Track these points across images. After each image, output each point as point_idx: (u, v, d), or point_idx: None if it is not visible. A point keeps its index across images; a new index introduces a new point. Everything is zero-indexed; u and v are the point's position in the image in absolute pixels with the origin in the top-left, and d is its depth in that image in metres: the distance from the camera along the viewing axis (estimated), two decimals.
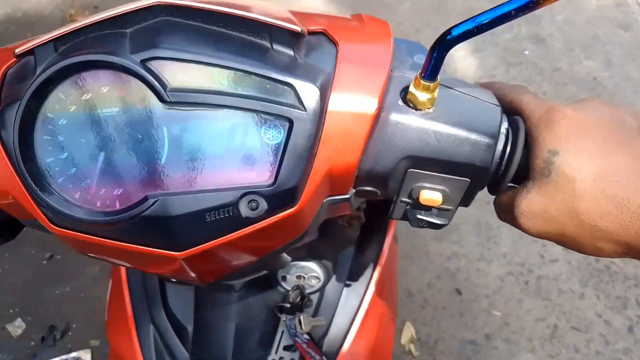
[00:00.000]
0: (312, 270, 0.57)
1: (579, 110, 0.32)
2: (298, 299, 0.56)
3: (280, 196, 0.31)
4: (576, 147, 0.31)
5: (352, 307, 0.64)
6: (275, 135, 0.31)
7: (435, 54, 0.29)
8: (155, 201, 0.31)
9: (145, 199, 0.31)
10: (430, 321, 1.50)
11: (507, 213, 0.35)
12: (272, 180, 0.31)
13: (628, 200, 0.29)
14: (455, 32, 0.29)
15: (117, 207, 0.32)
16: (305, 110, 0.31)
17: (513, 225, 0.35)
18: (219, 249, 0.33)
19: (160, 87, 0.30)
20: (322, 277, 0.58)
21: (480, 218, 1.64)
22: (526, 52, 2.11)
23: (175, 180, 0.31)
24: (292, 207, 0.32)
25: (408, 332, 1.47)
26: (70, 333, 1.47)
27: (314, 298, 0.62)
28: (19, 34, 2.35)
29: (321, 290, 0.61)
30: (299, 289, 0.57)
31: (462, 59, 2.07)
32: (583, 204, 0.30)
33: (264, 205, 0.31)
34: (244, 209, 0.31)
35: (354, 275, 0.64)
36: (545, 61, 2.08)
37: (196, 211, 0.31)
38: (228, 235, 0.32)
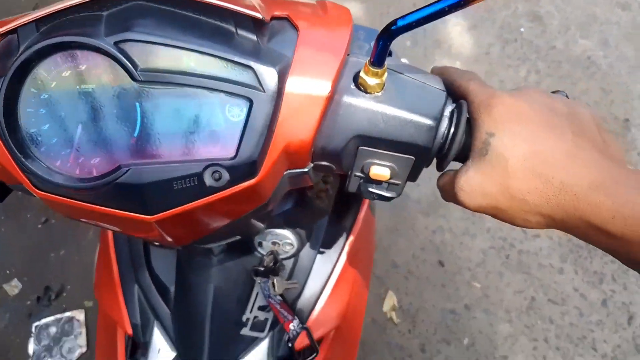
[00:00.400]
0: (286, 237, 0.61)
1: (516, 98, 0.35)
2: (272, 264, 0.60)
3: (241, 168, 0.35)
4: (511, 130, 0.34)
5: (325, 273, 0.68)
6: (237, 113, 0.34)
7: (381, 43, 0.32)
8: (128, 170, 0.34)
9: (119, 167, 0.34)
10: (413, 291, 1.55)
11: (448, 192, 0.38)
12: (234, 153, 0.34)
13: (552, 177, 0.33)
14: (400, 23, 0.31)
15: (94, 174, 0.35)
16: (264, 92, 0.34)
17: (454, 202, 0.38)
18: (187, 214, 0.37)
19: (131, 67, 0.33)
20: (295, 243, 0.62)
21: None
22: (522, 30, 2.11)
23: (146, 151, 0.35)
24: (252, 178, 0.35)
25: (390, 300, 1.53)
26: (64, 294, 1.53)
27: (289, 263, 0.66)
28: None
29: (295, 256, 0.65)
30: (273, 254, 0.61)
31: (458, 36, 2.07)
32: (514, 181, 0.34)
33: (226, 176, 0.35)
34: (208, 179, 0.35)
35: (327, 243, 0.68)
36: (541, 39, 2.08)
37: (164, 180, 0.34)
38: (194, 202, 0.36)
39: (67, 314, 1.46)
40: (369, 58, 0.35)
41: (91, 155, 0.35)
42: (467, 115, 0.37)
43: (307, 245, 0.66)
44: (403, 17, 0.31)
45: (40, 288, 1.54)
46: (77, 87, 0.35)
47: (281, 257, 0.63)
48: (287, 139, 0.35)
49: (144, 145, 0.35)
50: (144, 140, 0.35)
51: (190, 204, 0.36)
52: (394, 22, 0.32)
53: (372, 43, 0.39)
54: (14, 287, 1.52)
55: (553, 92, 0.44)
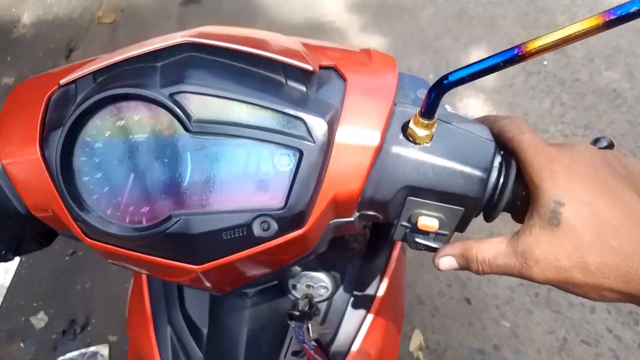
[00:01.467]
0: (320, 280, 0.60)
1: (577, 160, 0.34)
2: (307, 307, 0.59)
3: (290, 218, 0.34)
4: (581, 200, 0.33)
5: (359, 316, 0.67)
6: (287, 163, 0.35)
7: (432, 96, 0.32)
8: (178, 220, 0.34)
9: (170, 217, 0.34)
10: (440, 329, 1.51)
11: (509, 265, 0.35)
12: (283, 204, 0.34)
13: (633, 254, 0.31)
14: (451, 78, 0.31)
15: (144, 223, 0.35)
16: (314, 142, 0.34)
17: (516, 275, 0.35)
18: (233, 264, 0.37)
19: (185, 119, 0.33)
20: (330, 287, 0.61)
21: (492, 228, 1.65)
22: (545, 62, 2.11)
23: (196, 201, 0.35)
24: (300, 228, 0.35)
25: (417, 339, 1.49)
26: (89, 328, 1.54)
27: (323, 306, 0.65)
28: (51, 35, 2.43)
29: (329, 299, 0.64)
30: (308, 297, 0.60)
31: None
32: (592, 256, 0.32)
33: (274, 226, 0.35)
34: (257, 229, 0.35)
35: (361, 285, 0.67)
36: (565, 71, 2.07)
37: (214, 230, 0.34)
38: (242, 252, 0.35)
39: (92, 348, 1.46)
40: (418, 109, 0.35)
41: (142, 204, 0.35)
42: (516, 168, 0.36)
43: (341, 288, 0.65)
44: (455, 71, 0.32)
45: (66, 320, 1.55)
46: (131, 136, 0.35)
47: (315, 300, 0.62)
48: (336, 189, 0.35)
49: (194, 195, 0.35)
50: (194, 189, 0.35)
51: (237, 254, 0.36)
52: (445, 77, 0.32)
53: (418, 92, 0.39)
54: (40, 319, 1.53)
55: (596, 140, 0.43)
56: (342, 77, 0.37)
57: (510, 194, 0.36)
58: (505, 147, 0.37)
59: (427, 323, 1.53)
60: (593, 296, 0.34)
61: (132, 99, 0.34)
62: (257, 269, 0.40)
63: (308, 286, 0.61)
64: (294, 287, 0.61)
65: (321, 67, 0.37)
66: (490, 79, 2.07)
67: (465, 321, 1.53)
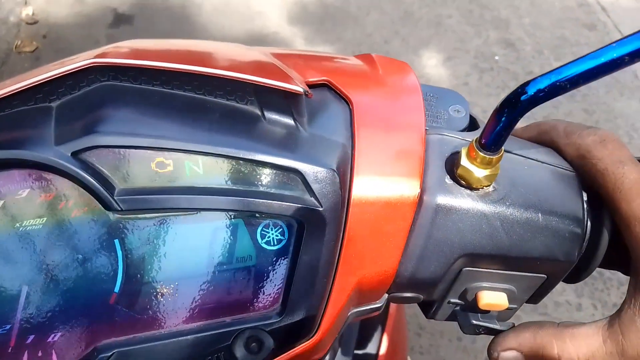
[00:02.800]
0: None
1: None
2: None
3: (292, 329, 0.22)
4: None
5: None
6: (277, 238, 0.22)
7: (504, 118, 0.21)
8: (110, 356, 0.21)
9: (95, 351, 0.21)
10: (428, 348, 1.41)
11: None
12: (279, 308, 0.21)
13: None
14: (531, 90, 0.20)
15: None
16: (321, 206, 0.21)
17: None
18: None
19: (104, 191, 0.20)
20: (327, 354, 0.49)
21: None
22: (497, 58, 2.09)
23: (136, 319, 0.21)
24: (308, 339, 0.22)
25: None
26: None
27: None
28: None
29: None
30: None
31: (434, 69, 2.03)
32: None
33: (269, 343, 0.22)
34: (241, 353, 0.22)
35: (361, 344, 0.55)
36: (517, 65, 2.06)
37: None
38: None
39: None
40: (456, 130, 0.23)
41: (46, 334, 0.21)
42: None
43: (339, 352, 0.53)
44: (538, 79, 0.20)
45: None
46: (16, 225, 0.21)
47: None
48: (359, 273, 0.23)
49: (131, 309, 0.21)
50: (131, 299, 0.21)
51: None
52: (522, 90, 0.20)
53: (451, 109, 0.27)
54: None
55: None
56: (344, 98, 0.25)
57: (607, 246, 0.25)
58: (590, 181, 0.26)
59: (414, 344, 1.43)
60: None
61: (12, 167, 0.21)
62: None
63: None
64: None
65: (309, 85, 0.25)
66: (444, 78, 2.02)
67: (453, 337, 1.44)
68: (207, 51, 0.25)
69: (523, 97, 0.20)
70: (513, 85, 1.86)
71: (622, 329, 0.24)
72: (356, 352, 0.55)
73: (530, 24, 2.19)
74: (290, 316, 0.22)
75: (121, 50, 0.24)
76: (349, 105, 0.25)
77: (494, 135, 0.21)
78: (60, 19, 2.30)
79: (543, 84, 0.20)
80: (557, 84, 0.20)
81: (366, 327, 0.57)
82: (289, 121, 0.23)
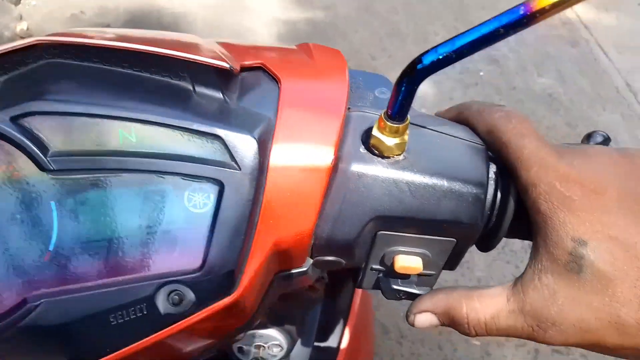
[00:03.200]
0: (272, 338, 0.49)
1: (597, 176, 0.25)
2: None
3: (212, 283, 0.24)
4: (607, 233, 0.24)
5: None
6: (202, 203, 0.24)
7: (403, 88, 0.23)
8: (38, 305, 0.22)
9: (24, 302, 0.23)
10: (409, 357, 1.42)
11: (514, 327, 0.26)
12: (200, 263, 0.23)
13: None
14: (426, 60, 0.22)
15: None
16: (240, 169, 0.23)
17: (524, 338, 0.26)
18: (136, 356, 0.25)
19: (38, 152, 0.22)
20: (284, 344, 0.50)
21: None
22: (481, 73, 2.13)
23: (66, 273, 0.23)
24: (228, 294, 0.24)
25: None
26: None
27: None
28: None
29: (285, 357, 0.53)
30: None
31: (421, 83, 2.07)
32: (629, 312, 0.23)
33: (190, 297, 0.23)
34: (163, 305, 0.23)
35: (322, 335, 0.56)
36: (501, 80, 2.10)
37: (96, 314, 0.23)
38: (145, 340, 0.24)
39: None
40: (379, 110, 0.25)
41: None
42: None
43: (299, 342, 0.54)
44: (432, 49, 0.22)
45: None
46: None
47: None
48: (277, 232, 0.24)
49: (62, 264, 0.23)
50: (63, 256, 0.23)
51: (138, 342, 0.24)
52: (418, 60, 0.22)
53: (377, 91, 0.29)
54: None
55: (589, 135, 0.35)
56: (275, 79, 0.27)
57: (513, 213, 0.27)
58: (497, 153, 0.28)
59: (395, 352, 1.43)
60: (630, 358, 0.25)
61: None
62: (176, 353, 0.28)
63: (258, 347, 0.50)
64: (241, 350, 0.49)
65: (244, 68, 0.27)
66: (429, 93, 2.06)
67: (434, 345, 1.44)
68: (146, 35, 0.28)
69: (419, 66, 0.22)
70: (497, 99, 1.90)
71: (523, 288, 0.25)
72: (317, 344, 0.56)
73: (515, 40, 2.24)
74: (209, 271, 0.23)
75: (69, 32, 0.26)
76: (278, 85, 0.27)
77: (398, 104, 0.23)
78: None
79: (435, 55, 0.22)
80: (446, 54, 0.22)
81: (328, 321, 0.58)
82: (218, 95, 0.25)
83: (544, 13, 0.20)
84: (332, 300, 0.59)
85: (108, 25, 2.33)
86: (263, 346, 0.49)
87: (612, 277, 0.23)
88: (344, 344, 0.58)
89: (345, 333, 0.59)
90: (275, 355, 0.51)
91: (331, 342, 0.57)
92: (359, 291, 0.63)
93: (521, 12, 0.20)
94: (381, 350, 1.43)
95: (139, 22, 2.33)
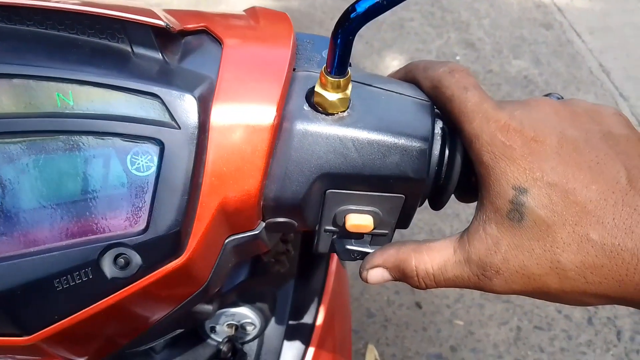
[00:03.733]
0: (244, 317, 0.49)
1: (538, 125, 0.25)
2: (230, 354, 0.47)
3: (158, 245, 0.23)
4: (546, 180, 0.24)
5: (299, 349, 0.55)
6: (145, 165, 0.23)
7: (339, 40, 0.23)
8: None
9: None
10: (394, 340, 1.43)
11: (461, 277, 0.26)
12: (144, 225, 0.23)
13: (621, 248, 0.23)
14: (360, 8, 0.22)
15: None
16: (179, 127, 0.23)
17: (471, 287, 0.27)
18: (89, 322, 0.25)
19: None
20: (257, 322, 0.50)
21: (432, 226, 1.61)
22: (457, 57, 2.14)
23: (7, 239, 0.23)
24: (176, 257, 0.24)
25: (371, 354, 1.39)
26: None
27: (253, 346, 0.53)
28: None
29: (259, 336, 0.53)
30: (231, 340, 0.48)
31: (397, 68, 2.07)
32: (569, 256, 0.24)
33: (136, 260, 0.23)
34: (109, 268, 0.23)
35: (296, 313, 0.56)
36: (477, 64, 2.11)
37: (39, 279, 0.22)
38: (92, 306, 0.24)
39: None
40: (324, 67, 0.25)
41: None
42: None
43: (273, 320, 0.54)
44: None
45: None
46: None
47: (242, 341, 0.50)
48: (223, 192, 0.24)
49: (1, 231, 0.23)
50: (3, 221, 0.23)
51: (85, 309, 0.24)
52: (352, 8, 0.22)
53: (324, 53, 0.29)
54: None
55: (545, 95, 0.36)
56: (218, 41, 0.27)
57: (460, 168, 0.27)
58: (442, 109, 0.28)
59: (380, 336, 1.44)
60: (572, 303, 0.26)
61: None
62: (131, 322, 0.28)
63: (230, 326, 0.50)
64: (213, 329, 0.49)
65: (186, 32, 0.27)
66: None
67: (418, 327, 1.46)
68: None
69: (352, 15, 0.22)
70: None
71: (468, 239, 0.26)
72: (291, 322, 0.56)
73: (490, 24, 2.26)
74: (153, 232, 0.23)
75: None
76: (222, 46, 0.27)
77: (337, 58, 0.23)
78: None
79: (368, 2, 0.22)
80: (379, 2, 0.22)
81: (302, 299, 0.58)
82: (157, 56, 0.25)
83: None
84: (306, 279, 0.59)
85: None
86: (235, 325, 0.49)
87: (551, 223, 0.24)
88: (319, 322, 0.58)
89: (320, 311, 0.59)
90: (248, 334, 0.51)
91: (306, 319, 0.57)
92: (332, 270, 0.63)
93: None
94: (366, 334, 1.44)
95: None
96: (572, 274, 0.24)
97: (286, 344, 0.54)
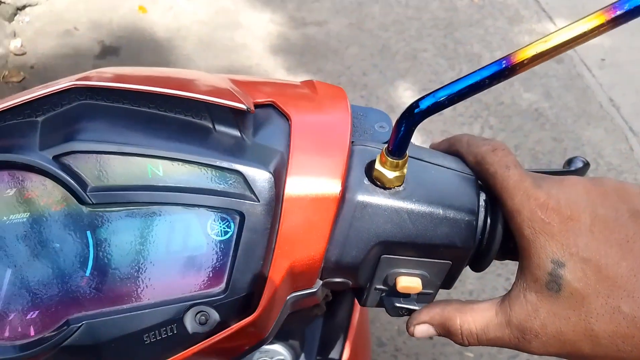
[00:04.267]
0: (277, 353, 0.51)
1: (572, 204, 0.28)
2: None
3: (235, 305, 0.26)
4: (581, 255, 0.27)
5: None
6: (223, 231, 0.26)
7: (403, 129, 0.26)
8: (80, 326, 0.25)
9: (67, 323, 0.25)
10: None
11: (501, 338, 0.29)
12: (224, 286, 0.26)
13: None
14: (423, 105, 0.25)
15: (32, 334, 0.26)
16: (258, 201, 0.26)
17: (511, 348, 0.29)
18: None
19: (79, 188, 0.25)
20: (289, 358, 0.52)
21: None
22: None
23: (103, 296, 0.25)
24: (248, 315, 0.27)
25: None
26: None
27: None
28: None
29: None
30: None
31: (409, 98, 2.11)
32: (601, 325, 0.26)
33: (215, 317, 0.26)
34: (191, 324, 0.26)
35: (324, 348, 0.59)
36: (489, 96, 2.15)
37: (131, 334, 0.25)
38: (173, 357, 0.26)
39: None
40: (379, 142, 0.28)
41: (27, 309, 0.26)
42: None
43: (302, 356, 0.56)
44: (427, 96, 0.25)
45: None
46: (5, 218, 0.26)
47: None
48: (292, 257, 0.27)
49: (99, 288, 0.26)
50: (100, 281, 0.26)
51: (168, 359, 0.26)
52: (416, 104, 0.25)
53: (377, 125, 0.32)
54: None
55: (569, 161, 0.38)
56: (285, 116, 0.30)
57: (502, 236, 0.30)
58: (484, 182, 0.31)
59: None
60: None
61: (2, 168, 0.25)
62: None
63: None
64: None
65: (256, 106, 0.30)
66: None
67: (428, 358, 1.46)
68: (169, 76, 0.30)
69: (416, 110, 0.25)
70: (485, 115, 1.93)
71: (510, 304, 0.28)
72: (319, 358, 0.58)
73: (501, 56, 2.31)
74: (232, 294, 0.26)
75: (99, 75, 0.29)
76: (288, 121, 0.30)
77: (397, 142, 0.27)
78: (48, 49, 2.35)
79: (430, 100, 0.25)
80: (439, 101, 0.25)
81: (329, 335, 0.60)
82: (236, 133, 0.28)
83: (522, 66, 0.23)
84: (333, 315, 0.62)
85: (102, 42, 2.36)
86: None
87: (585, 294, 0.26)
88: (345, 357, 0.60)
89: (346, 346, 0.61)
90: None
91: (333, 355, 0.59)
92: (357, 307, 0.66)
93: (503, 64, 0.23)
94: None
95: (132, 38, 2.36)
96: (605, 341, 0.26)
97: None
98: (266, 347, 0.50)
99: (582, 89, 2.19)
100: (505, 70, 0.23)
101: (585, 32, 0.21)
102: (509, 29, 2.50)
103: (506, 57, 0.23)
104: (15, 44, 2.40)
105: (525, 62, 0.23)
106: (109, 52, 2.47)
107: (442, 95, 0.25)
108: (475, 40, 2.46)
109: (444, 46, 2.42)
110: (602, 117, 2.09)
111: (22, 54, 2.39)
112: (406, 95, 2.10)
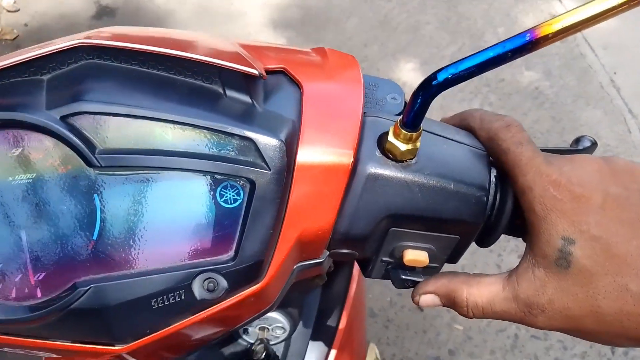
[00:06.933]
0: (276, 321, 0.52)
1: (583, 182, 0.28)
2: (263, 355, 0.50)
3: (243, 272, 0.26)
4: (591, 233, 0.27)
5: (322, 352, 0.59)
6: (234, 198, 0.26)
7: (419, 101, 0.25)
8: (87, 289, 0.25)
9: (74, 286, 0.25)
10: (394, 340, 1.47)
11: (506, 311, 0.29)
12: (233, 254, 0.26)
13: None
14: (441, 77, 0.25)
15: (39, 297, 0.25)
16: (269, 169, 0.26)
17: (516, 322, 0.30)
18: (170, 337, 0.27)
19: (86, 150, 0.24)
20: (287, 326, 0.53)
21: None
22: None
23: (111, 260, 0.25)
24: (257, 282, 0.27)
25: (372, 353, 1.43)
26: None
27: (280, 348, 0.56)
28: None
29: (287, 339, 0.56)
30: (263, 342, 0.51)
31: (411, 72, 2.09)
32: (607, 302, 0.27)
33: (223, 284, 0.26)
34: (199, 291, 0.26)
35: (321, 317, 0.59)
36: (490, 73, 2.12)
37: (139, 298, 0.25)
38: (180, 322, 0.26)
39: None
40: (392, 117, 0.28)
41: (33, 272, 0.25)
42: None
43: (300, 324, 0.57)
44: (446, 67, 0.25)
45: None
46: (10, 179, 0.25)
47: (271, 342, 0.53)
48: (301, 226, 0.27)
49: (107, 252, 0.25)
50: (107, 244, 0.25)
51: (175, 325, 0.26)
52: (434, 76, 0.25)
53: (389, 97, 0.32)
54: None
55: (577, 140, 0.38)
56: (296, 83, 0.29)
57: (510, 213, 0.30)
58: (496, 158, 0.31)
59: (381, 335, 1.48)
60: (606, 343, 0.29)
61: (7, 127, 0.24)
62: (203, 337, 0.31)
63: (262, 329, 0.52)
64: (245, 331, 0.52)
65: (267, 72, 0.29)
66: (419, 82, 2.08)
67: (419, 329, 1.49)
68: (180, 38, 0.29)
69: (434, 82, 0.25)
70: (485, 91, 1.92)
71: (517, 278, 0.29)
72: (316, 325, 0.59)
73: (504, 33, 2.27)
74: (241, 261, 0.26)
75: (104, 34, 0.28)
76: (300, 89, 0.29)
77: (412, 114, 0.26)
78: (42, 8, 2.29)
79: (448, 72, 0.25)
80: (458, 73, 0.24)
81: (326, 304, 0.61)
82: (247, 99, 0.27)
83: (547, 40, 0.22)
84: (331, 285, 0.62)
85: (98, 2, 2.30)
86: (267, 328, 0.52)
87: (594, 272, 0.27)
88: (342, 325, 0.61)
89: (343, 316, 0.62)
90: (278, 337, 0.54)
91: (330, 323, 0.60)
92: (354, 277, 0.66)
93: (527, 38, 0.22)
94: (368, 333, 1.48)
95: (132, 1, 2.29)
96: (610, 318, 0.27)
97: (311, 346, 0.58)
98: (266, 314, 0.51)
99: (584, 68, 2.17)
100: (529, 44, 0.23)
101: (615, 6, 0.21)
102: (513, 5, 2.45)
103: (530, 30, 0.23)
104: (8, 1, 2.33)
105: (550, 36, 0.22)
106: (104, 13, 2.41)
107: (462, 68, 0.24)
108: (479, 15, 2.42)
109: (447, 20, 2.38)
110: (601, 97, 2.08)
111: (16, 11, 2.32)
112: (407, 68, 2.08)
